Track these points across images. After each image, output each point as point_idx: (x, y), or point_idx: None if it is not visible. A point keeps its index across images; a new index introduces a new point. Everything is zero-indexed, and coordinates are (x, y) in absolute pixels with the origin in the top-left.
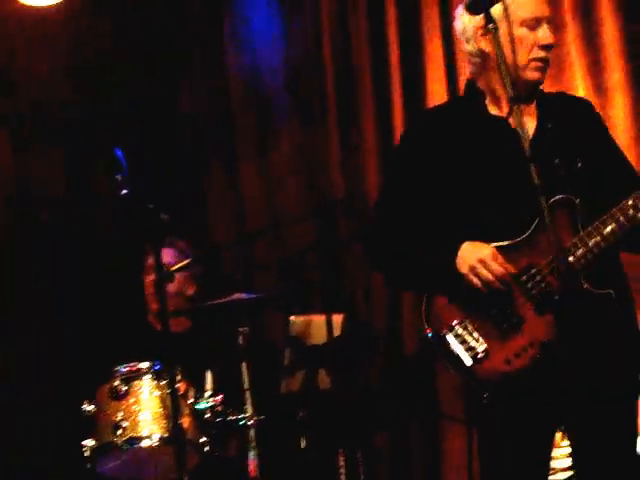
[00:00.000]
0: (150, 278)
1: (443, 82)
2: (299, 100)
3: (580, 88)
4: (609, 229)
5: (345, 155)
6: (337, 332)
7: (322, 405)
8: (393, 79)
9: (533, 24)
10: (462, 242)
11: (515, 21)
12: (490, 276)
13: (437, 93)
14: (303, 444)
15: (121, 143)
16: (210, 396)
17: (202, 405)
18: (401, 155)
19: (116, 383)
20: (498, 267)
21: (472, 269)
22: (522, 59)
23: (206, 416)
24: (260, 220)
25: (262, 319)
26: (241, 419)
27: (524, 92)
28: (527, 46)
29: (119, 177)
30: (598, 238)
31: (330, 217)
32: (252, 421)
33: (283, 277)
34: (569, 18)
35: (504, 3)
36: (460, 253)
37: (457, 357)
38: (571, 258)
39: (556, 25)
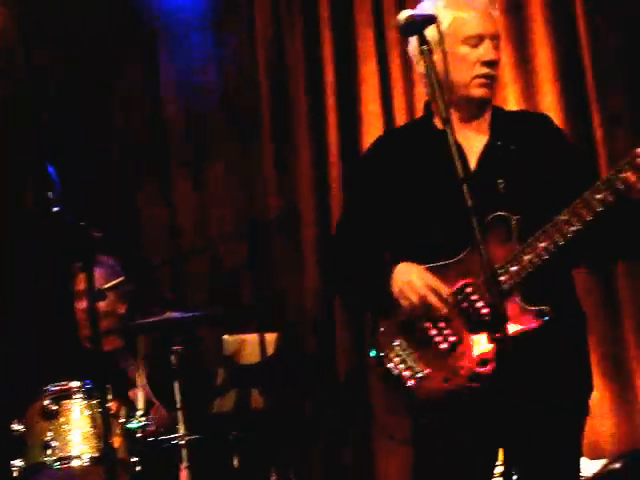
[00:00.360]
0: (81, 305)
1: (378, 102)
2: (234, 118)
3: None
4: (542, 245)
5: (279, 174)
6: (270, 351)
7: (255, 425)
8: (328, 99)
9: (475, 41)
10: (400, 263)
11: (457, 39)
12: (415, 299)
13: (372, 113)
14: (236, 464)
15: (53, 160)
16: (142, 415)
17: (133, 424)
18: (357, 177)
19: (46, 402)
20: (423, 287)
21: (400, 292)
22: (465, 77)
23: (137, 436)
24: (194, 238)
25: (195, 338)
26: (173, 439)
27: (471, 110)
28: (469, 63)
29: (51, 194)
30: (532, 255)
31: (264, 235)
32: (184, 441)
33: (216, 295)
34: (503, 42)
35: (438, 24)
36: (393, 275)
37: (397, 377)
38: (504, 277)
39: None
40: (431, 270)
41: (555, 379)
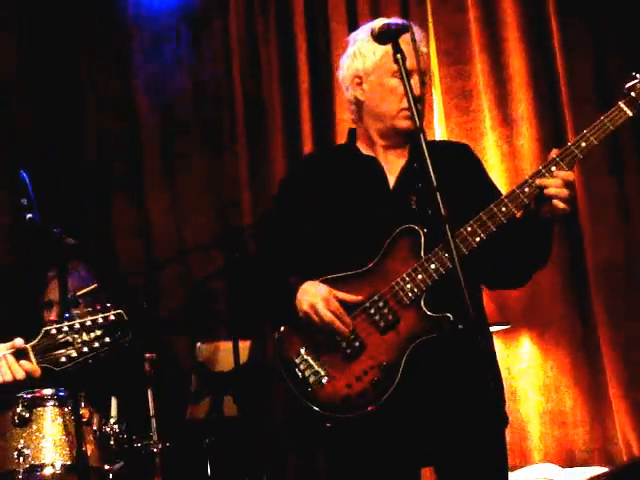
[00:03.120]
0: (49, 316)
1: None
2: (208, 124)
3: (487, 119)
4: (447, 255)
5: (254, 181)
6: (243, 359)
7: (228, 432)
8: (303, 106)
9: (406, 75)
10: (305, 280)
11: (387, 72)
12: (319, 321)
13: (346, 121)
14: (209, 471)
15: (26, 166)
16: (115, 423)
17: (106, 432)
18: (281, 196)
19: (19, 409)
20: (327, 313)
21: (305, 314)
22: (392, 108)
23: (110, 443)
24: (167, 245)
25: (169, 345)
26: (146, 446)
27: (397, 139)
28: (397, 96)
29: (24, 201)
30: (437, 264)
31: (237, 244)
32: (157, 448)
33: (189, 303)
34: (477, 50)
35: (367, 58)
36: (298, 295)
37: (302, 382)
38: (409, 284)
39: (463, 58)
40: (340, 280)
41: (464, 390)
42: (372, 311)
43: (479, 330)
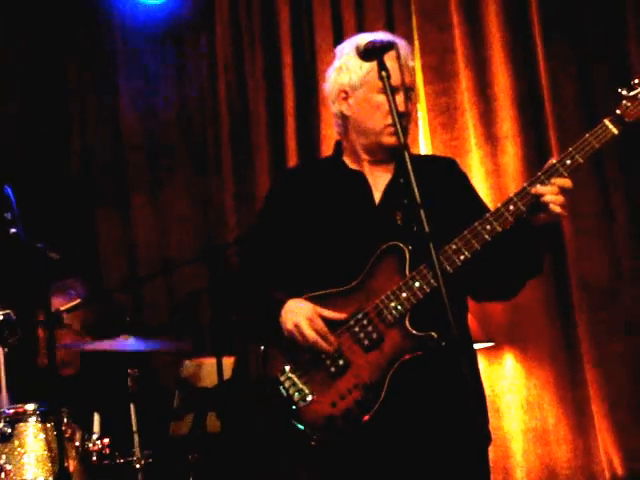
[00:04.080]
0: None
1: None
2: (193, 139)
3: (472, 136)
4: (432, 273)
5: (239, 196)
6: (227, 375)
7: (211, 448)
8: (288, 123)
9: (391, 91)
10: (290, 297)
11: (373, 87)
12: (303, 340)
13: (331, 137)
14: None
15: (10, 181)
16: (97, 438)
17: (89, 448)
18: (265, 209)
19: (1, 425)
20: (311, 332)
21: (289, 332)
22: (378, 124)
23: (93, 459)
24: (152, 261)
25: (152, 361)
26: (129, 462)
27: (382, 155)
28: (383, 112)
29: (8, 215)
30: (421, 282)
31: (221, 259)
32: (140, 464)
33: (174, 320)
34: (461, 68)
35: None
36: (282, 313)
37: (287, 400)
38: (394, 303)
39: (448, 75)
40: (324, 297)
41: (447, 409)
42: (356, 329)
43: (463, 348)
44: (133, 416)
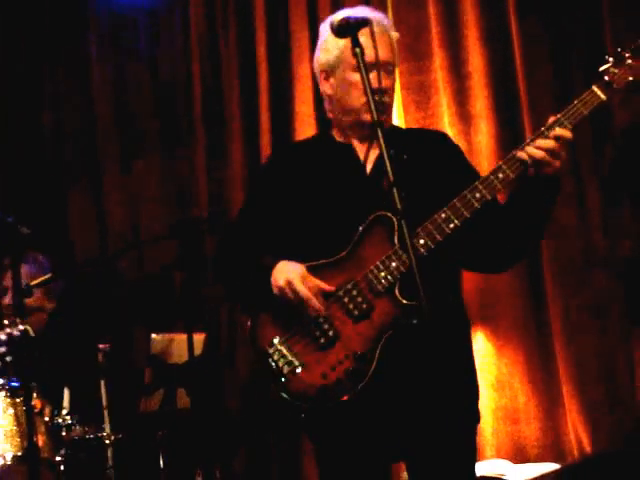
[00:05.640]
0: (5, 300)
1: (311, 104)
2: (166, 116)
3: (446, 115)
4: (421, 242)
5: (211, 172)
6: (198, 351)
7: (181, 424)
8: (261, 99)
9: (371, 68)
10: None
11: (349, 65)
12: (294, 297)
13: (304, 114)
14: (161, 463)
15: None
16: (67, 414)
17: (58, 423)
18: (257, 182)
19: None
20: (303, 288)
21: (280, 289)
22: (356, 102)
23: (62, 434)
24: (123, 236)
25: (123, 337)
26: (99, 437)
27: (366, 131)
28: (360, 90)
29: None
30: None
31: (193, 235)
32: (110, 440)
33: (145, 294)
34: (436, 46)
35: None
36: (273, 273)
37: (276, 372)
38: (383, 272)
39: (423, 54)
40: (313, 268)
41: (437, 383)
42: (346, 299)
43: (455, 319)
44: (103, 391)
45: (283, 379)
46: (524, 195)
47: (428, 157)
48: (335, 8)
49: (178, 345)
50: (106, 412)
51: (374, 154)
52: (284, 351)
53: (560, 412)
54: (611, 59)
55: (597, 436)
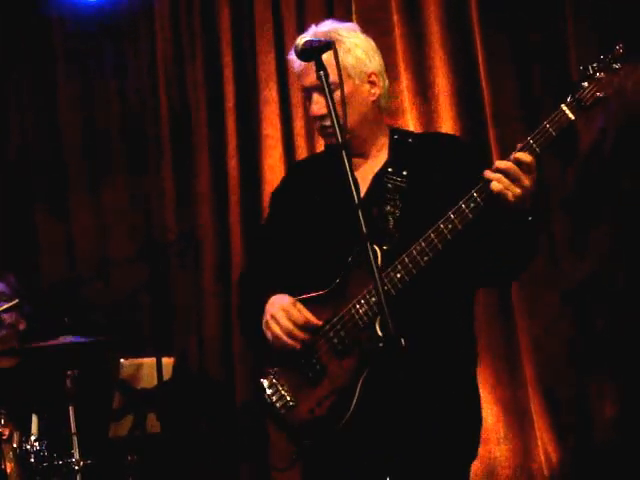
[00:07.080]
0: None
1: (278, 126)
2: (134, 142)
3: None
4: (398, 276)
5: (179, 195)
6: (167, 376)
7: (151, 449)
8: (228, 122)
9: (306, 94)
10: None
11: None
12: (278, 331)
13: (272, 137)
14: None
15: None
16: (36, 440)
17: (27, 449)
18: (270, 205)
19: None
20: (286, 322)
21: (265, 324)
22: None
23: (31, 461)
24: (90, 259)
25: (91, 362)
26: (67, 464)
27: (354, 149)
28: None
29: None
30: (388, 285)
31: (161, 259)
32: (79, 466)
33: (113, 319)
34: (402, 69)
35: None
36: (266, 307)
37: (271, 405)
38: (364, 308)
39: (389, 74)
40: (305, 301)
41: (422, 418)
42: (331, 334)
43: (449, 350)
44: (72, 417)
45: (277, 412)
46: (497, 221)
47: (436, 168)
48: (301, 31)
49: (147, 370)
50: (75, 438)
51: (371, 174)
52: (278, 386)
53: (530, 432)
54: (581, 73)
55: (567, 455)
